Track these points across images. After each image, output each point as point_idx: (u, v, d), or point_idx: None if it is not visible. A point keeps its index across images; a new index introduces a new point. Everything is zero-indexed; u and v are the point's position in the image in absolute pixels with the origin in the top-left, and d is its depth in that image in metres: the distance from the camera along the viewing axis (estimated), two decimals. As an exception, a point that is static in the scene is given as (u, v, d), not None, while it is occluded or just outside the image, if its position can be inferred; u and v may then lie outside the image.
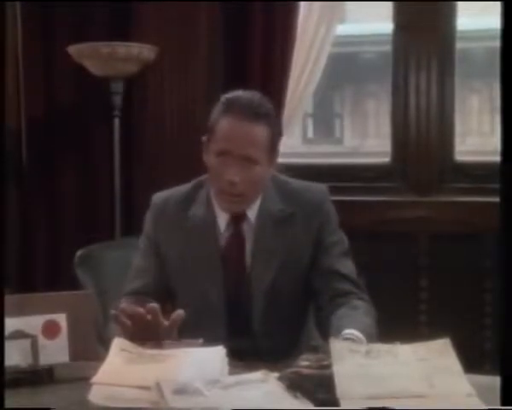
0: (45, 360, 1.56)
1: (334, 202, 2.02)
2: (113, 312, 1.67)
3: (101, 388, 1.40)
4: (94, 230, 3.16)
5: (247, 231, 1.93)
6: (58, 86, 3.20)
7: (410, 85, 3.06)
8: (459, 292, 2.97)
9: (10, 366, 1.51)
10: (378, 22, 3.94)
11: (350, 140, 5.36)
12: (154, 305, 1.66)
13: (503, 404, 1.26)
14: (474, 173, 3.03)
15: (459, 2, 3.03)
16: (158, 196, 2.02)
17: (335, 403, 1.30)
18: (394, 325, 1.88)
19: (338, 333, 1.65)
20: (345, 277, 1.91)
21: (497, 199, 1.43)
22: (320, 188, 2.01)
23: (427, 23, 3.01)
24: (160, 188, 2.06)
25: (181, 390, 1.33)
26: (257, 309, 1.91)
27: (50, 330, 1.58)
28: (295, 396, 1.34)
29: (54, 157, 3.23)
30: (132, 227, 2.92)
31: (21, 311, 1.57)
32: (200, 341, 1.62)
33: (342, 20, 3.52)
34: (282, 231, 1.92)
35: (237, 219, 1.93)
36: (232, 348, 1.57)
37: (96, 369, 1.46)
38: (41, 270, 3.24)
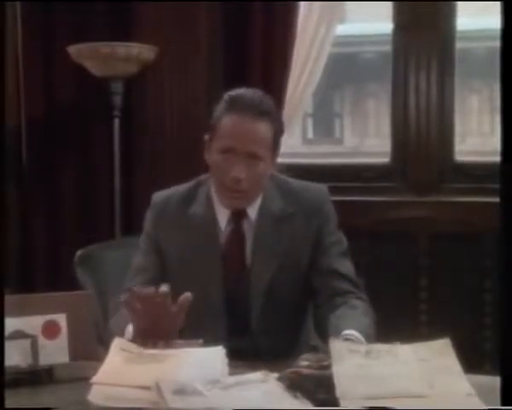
0: (45, 360, 1.56)
1: (335, 202, 2.02)
2: (122, 297, 1.67)
3: (101, 388, 1.40)
4: (94, 230, 3.16)
5: (247, 229, 1.93)
6: (58, 86, 3.20)
7: (410, 85, 3.06)
8: (459, 292, 2.97)
9: (10, 366, 1.51)
10: (378, 22, 3.94)
11: (350, 140, 5.37)
12: (165, 287, 1.65)
13: (503, 404, 1.26)
14: (473, 173, 3.03)
15: (459, 2, 3.03)
16: (158, 195, 2.03)
17: (335, 403, 1.30)
18: (394, 325, 1.88)
19: (337, 333, 1.64)
20: (343, 276, 1.91)
21: (497, 199, 1.43)
22: (320, 188, 2.01)
23: (427, 23, 3.01)
24: (160, 188, 2.06)
25: (181, 391, 1.33)
26: (256, 307, 1.91)
27: (50, 330, 1.58)
28: (295, 396, 1.34)
29: (54, 157, 3.23)
30: (132, 227, 2.92)
31: (21, 311, 1.57)
32: (200, 341, 1.62)
33: (342, 20, 3.52)
34: (281, 231, 1.92)
35: (238, 217, 1.93)
36: (231, 347, 1.57)
37: (95, 369, 1.46)
38: (41, 270, 3.24)
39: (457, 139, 3.12)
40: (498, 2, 1.49)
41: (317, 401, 1.33)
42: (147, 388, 1.36)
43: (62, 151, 3.23)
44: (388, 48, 3.12)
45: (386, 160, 3.15)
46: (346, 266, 1.94)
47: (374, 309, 1.87)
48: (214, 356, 1.53)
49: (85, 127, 3.20)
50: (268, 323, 1.90)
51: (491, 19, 2.27)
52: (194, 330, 1.68)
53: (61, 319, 1.59)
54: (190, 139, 2.92)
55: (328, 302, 1.86)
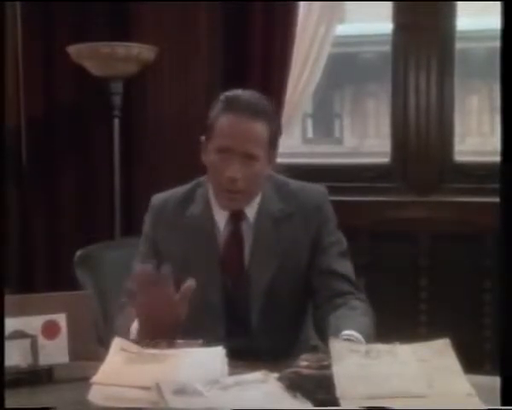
0: (45, 360, 1.56)
1: (334, 202, 2.02)
2: (127, 287, 1.67)
3: (101, 388, 1.40)
4: (94, 230, 3.16)
5: (246, 230, 1.93)
6: (58, 86, 3.20)
7: (410, 85, 3.06)
8: (459, 292, 2.97)
9: (10, 366, 1.51)
10: (378, 22, 3.94)
11: (350, 140, 5.37)
12: (168, 269, 1.66)
13: (503, 404, 1.26)
14: (473, 173, 3.03)
15: (459, 2, 3.03)
16: (157, 198, 2.02)
17: (335, 403, 1.30)
18: (394, 325, 1.88)
19: (337, 334, 1.64)
20: (343, 277, 1.91)
21: (497, 199, 1.43)
22: (319, 189, 2.01)
23: (427, 23, 3.01)
24: (160, 187, 2.06)
25: (180, 391, 1.33)
26: (255, 308, 1.91)
27: (50, 330, 1.58)
28: (295, 396, 1.34)
29: (54, 157, 3.23)
30: (132, 227, 2.92)
31: (21, 311, 1.57)
32: (200, 341, 1.62)
33: (342, 20, 3.52)
34: (280, 231, 1.92)
35: (236, 218, 1.93)
36: (231, 347, 1.57)
37: (95, 369, 1.46)
38: (41, 270, 3.24)
39: (457, 139, 3.12)
40: (498, 2, 1.48)
41: (316, 401, 1.33)
42: (147, 388, 1.36)
43: (62, 151, 3.23)
44: (388, 48, 3.12)
45: (386, 160, 3.15)
46: (346, 267, 1.94)
47: (374, 309, 1.87)
48: (214, 356, 1.53)
49: (85, 127, 3.20)
50: (268, 323, 1.89)
51: (491, 19, 2.27)
52: (193, 331, 1.68)
53: (61, 319, 1.59)
54: (190, 139, 2.91)
55: (328, 303, 1.86)
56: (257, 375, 1.41)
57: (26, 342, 1.56)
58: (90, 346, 1.60)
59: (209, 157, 1.87)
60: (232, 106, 1.84)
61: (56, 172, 3.24)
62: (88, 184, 3.22)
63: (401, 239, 3.01)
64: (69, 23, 3.15)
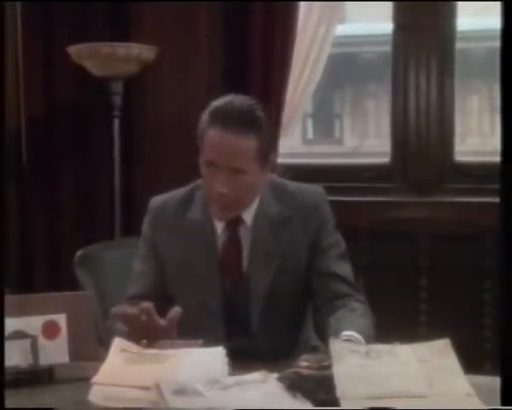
0: (45, 360, 1.57)
1: (334, 202, 2.02)
2: (107, 323, 1.67)
3: (101, 388, 1.40)
4: (94, 230, 3.16)
5: (244, 234, 1.92)
6: (58, 86, 3.20)
7: (410, 85, 3.06)
8: (459, 292, 2.97)
9: (10, 367, 1.51)
10: (378, 22, 3.94)
11: (350, 140, 5.37)
12: (147, 304, 1.66)
13: (503, 404, 1.26)
14: (473, 174, 3.03)
15: (459, 2, 3.03)
16: (155, 200, 2.01)
17: (335, 403, 1.30)
18: (394, 325, 1.88)
19: (337, 335, 1.64)
20: (342, 279, 1.90)
21: (497, 199, 1.43)
22: (316, 190, 1.99)
23: (427, 23, 3.01)
24: (160, 187, 2.06)
25: (180, 391, 1.33)
26: (255, 312, 1.90)
27: (50, 330, 1.58)
28: (295, 397, 1.34)
29: (54, 157, 3.23)
30: (132, 227, 2.92)
31: (21, 311, 1.57)
32: (200, 341, 1.62)
33: (342, 20, 3.53)
34: (279, 234, 1.91)
35: (234, 222, 1.92)
36: (231, 348, 1.57)
37: (95, 369, 1.46)
38: (41, 270, 3.24)
39: (457, 139, 3.12)
40: (498, 3, 1.48)
41: (317, 402, 1.33)
42: (147, 388, 1.36)
43: (62, 151, 3.23)
44: (388, 48, 3.12)
45: (386, 160, 3.15)
46: (345, 269, 1.93)
47: (374, 309, 1.87)
48: (214, 356, 1.53)
49: (85, 127, 3.20)
50: (267, 326, 1.89)
51: (491, 19, 2.27)
52: (193, 333, 1.67)
53: (61, 319, 1.59)
54: (190, 139, 2.91)
55: (327, 305, 1.86)
56: (257, 375, 1.41)
57: (27, 343, 1.56)
58: (90, 346, 1.60)
59: (201, 167, 1.86)
60: (219, 119, 1.79)
61: (56, 172, 3.23)
62: (88, 184, 3.22)
63: (401, 239, 3.01)
64: (69, 23, 3.15)
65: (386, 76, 3.16)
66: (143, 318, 1.65)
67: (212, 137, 1.80)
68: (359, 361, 1.40)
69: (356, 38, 4.68)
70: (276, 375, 1.41)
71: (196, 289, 1.90)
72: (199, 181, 1.97)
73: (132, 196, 3.12)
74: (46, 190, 3.24)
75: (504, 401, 1.26)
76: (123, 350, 1.55)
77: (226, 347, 1.56)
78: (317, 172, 3.10)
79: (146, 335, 1.64)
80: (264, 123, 1.84)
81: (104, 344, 1.63)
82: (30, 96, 3.24)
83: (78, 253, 2.25)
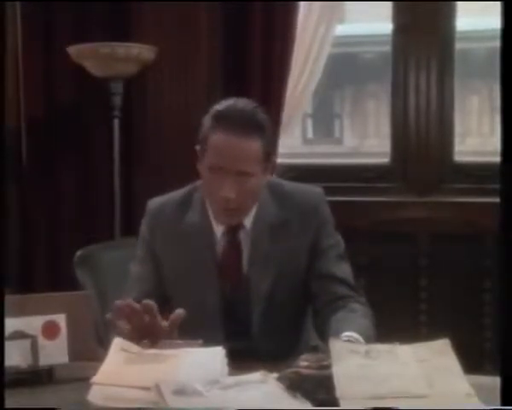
0: (45, 360, 1.56)
1: (334, 202, 2.01)
2: (108, 316, 1.66)
3: (101, 388, 1.40)
4: (94, 230, 3.16)
5: (244, 238, 1.91)
6: (58, 86, 3.21)
7: (410, 86, 3.06)
8: (459, 292, 2.97)
9: (10, 367, 1.51)
10: (378, 22, 3.94)
11: (350, 140, 5.37)
12: (150, 302, 1.65)
13: (503, 404, 1.26)
14: (473, 174, 3.03)
15: (459, 2, 3.03)
16: (153, 202, 2.00)
17: (335, 403, 1.30)
18: (394, 326, 1.88)
19: (337, 335, 1.64)
20: (341, 281, 1.89)
21: (497, 199, 1.43)
22: (315, 189, 1.98)
23: (427, 23, 3.01)
24: (160, 188, 2.06)
25: (180, 391, 1.33)
26: (256, 315, 1.90)
27: (50, 330, 1.58)
28: (295, 397, 1.34)
29: (54, 157, 3.23)
30: (132, 227, 2.91)
31: (21, 311, 1.57)
32: (200, 341, 1.62)
33: (342, 20, 3.53)
34: (278, 237, 1.90)
35: (233, 226, 1.91)
36: (231, 350, 1.57)
37: (95, 369, 1.46)
38: (41, 270, 3.24)
39: (457, 140, 3.12)
40: (498, 3, 1.48)
41: (316, 402, 1.33)
42: (147, 388, 1.36)
43: (62, 151, 3.23)
44: (388, 48, 3.12)
45: (385, 160, 3.15)
46: (344, 270, 1.92)
47: (374, 310, 1.87)
48: (214, 356, 1.53)
49: (85, 127, 3.20)
50: (268, 329, 1.88)
51: (491, 19, 2.27)
52: (193, 335, 1.67)
53: (61, 319, 1.59)
54: (190, 139, 2.91)
55: (328, 307, 1.85)
56: (257, 375, 1.41)
57: (27, 343, 1.56)
58: (90, 346, 1.60)
59: (203, 172, 1.84)
60: (223, 123, 1.77)
61: (56, 172, 3.24)
62: (88, 184, 3.22)
63: (401, 239, 3.01)
64: (69, 23, 3.16)
65: (386, 76, 3.16)
66: (146, 318, 1.64)
67: (216, 141, 1.78)
68: (359, 361, 1.40)
69: (356, 38, 4.68)
70: (275, 375, 1.41)
71: (195, 292, 1.90)
72: (197, 183, 1.96)
73: (132, 196, 3.12)
74: (46, 190, 3.24)
75: (504, 401, 1.26)
76: (123, 350, 1.55)
77: (226, 347, 1.56)
78: (317, 172, 3.10)
79: (147, 335, 1.63)
80: (267, 125, 1.83)
81: (104, 344, 1.63)
82: (30, 96, 3.24)
83: (78, 253, 2.25)
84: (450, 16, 3.02)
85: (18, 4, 3.22)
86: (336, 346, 1.44)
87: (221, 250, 1.91)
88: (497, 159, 1.43)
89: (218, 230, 1.91)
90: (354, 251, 1.99)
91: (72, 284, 2.12)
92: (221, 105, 1.83)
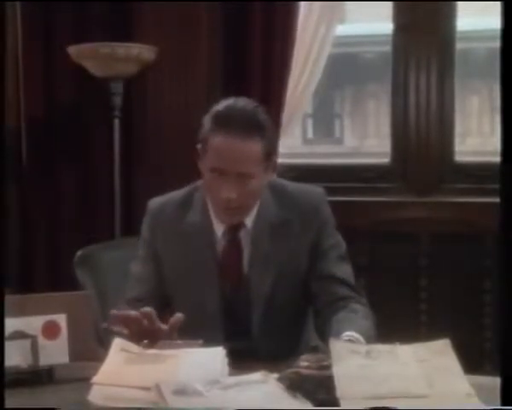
0: (45, 360, 1.56)
1: (334, 202, 2.01)
2: (104, 325, 1.66)
3: (101, 388, 1.40)
4: (94, 230, 3.16)
5: (244, 237, 1.91)
6: (58, 86, 3.20)
7: (410, 86, 3.06)
8: (459, 292, 2.97)
9: (10, 367, 1.51)
10: (378, 22, 3.94)
11: (350, 140, 5.38)
12: (148, 309, 1.65)
13: (503, 404, 1.26)
14: (473, 174, 3.03)
15: (459, 2, 3.03)
16: (154, 202, 2.00)
17: (335, 403, 1.30)
18: (394, 326, 1.88)
19: (337, 336, 1.64)
20: (342, 281, 1.89)
21: (497, 199, 1.43)
22: (316, 190, 1.98)
23: (427, 23, 3.01)
24: (160, 188, 2.06)
25: (181, 391, 1.33)
26: (256, 315, 1.90)
27: (50, 330, 1.58)
28: (295, 397, 1.34)
29: (54, 157, 3.23)
30: (132, 227, 2.92)
31: (21, 311, 1.57)
32: (200, 341, 1.62)
33: (342, 20, 3.53)
34: (279, 237, 1.90)
35: (234, 226, 1.91)
36: (232, 348, 1.57)
37: (95, 369, 1.46)
38: (41, 270, 3.24)
39: (458, 140, 3.12)
40: (498, 3, 1.48)
41: (316, 402, 1.33)
42: (147, 388, 1.36)
43: (62, 151, 3.23)
44: (388, 48, 3.12)
45: (386, 160, 3.15)
46: (345, 271, 1.92)
47: (374, 310, 1.87)
48: (214, 356, 1.53)
49: (85, 127, 3.20)
50: (268, 329, 1.88)
51: (491, 19, 2.27)
52: (193, 336, 1.67)
53: (61, 319, 1.59)
54: (190, 139, 2.91)
55: (328, 308, 1.85)
56: (257, 375, 1.41)
57: (27, 343, 1.56)
58: (90, 346, 1.60)
59: (204, 172, 1.84)
60: (223, 124, 1.76)
61: (56, 172, 3.23)
62: (88, 184, 3.22)
63: (401, 239, 3.01)
64: (69, 23, 3.15)
65: (387, 76, 3.16)
66: (145, 322, 1.64)
67: (216, 143, 1.78)
68: (359, 361, 1.40)
69: (356, 38, 4.68)
70: (276, 375, 1.41)
71: (196, 291, 1.90)
72: (198, 182, 1.96)
73: (132, 196, 3.12)
74: (46, 190, 3.24)
75: (504, 401, 1.26)
76: (123, 350, 1.55)
77: (226, 347, 1.56)
78: (317, 172, 3.10)
79: (146, 338, 1.63)
80: (268, 125, 1.83)
81: (104, 344, 1.63)
82: (30, 96, 3.24)
83: (78, 253, 2.25)
84: (450, 16, 3.02)
85: (18, 4, 3.22)
86: (336, 346, 1.44)
87: (221, 249, 1.91)
88: (497, 159, 1.43)
89: (219, 229, 1.91)
90: (354, 251, 1.99)
91: (72, 284, 2.12)
92: (221, 105, 1.82)
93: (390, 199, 3.08)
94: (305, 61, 3.03)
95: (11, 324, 1.54)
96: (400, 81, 3.08)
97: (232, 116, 1.77)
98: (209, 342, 1.61)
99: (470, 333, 2.82)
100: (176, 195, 1.99)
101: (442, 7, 3.00)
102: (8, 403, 1.36)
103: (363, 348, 1.47)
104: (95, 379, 1.42)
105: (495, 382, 1.34)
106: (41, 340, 1.57)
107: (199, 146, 1.87)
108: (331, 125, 5.63)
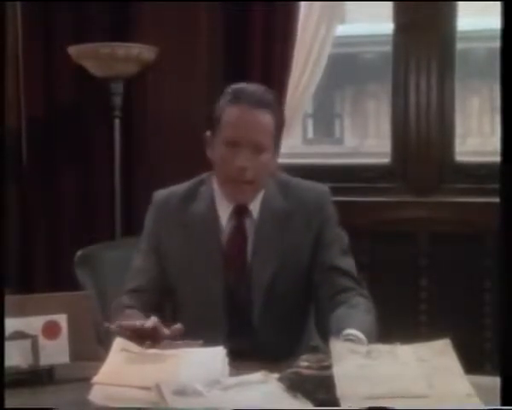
0: (45, 360, 1.57)
1: (335, 202, 2.02)
2: (105, 325, 1.67)
3: (102, 388, 1.40)
4: (94, 230, 3.16)
5: (249, 226, 1.94)
6: (58, 86, 3.20)
7: (410, 86, 3.06)
8: (459, 292, 2.97)
9: (11, 367, 1.51)
10: (378, 22, 3.94)
11: (350, 140, 5.38)
12: (155, 318, 1.66)
13: (503, 404, 1.26)
14: (474, 174, 3.03)
15: (459, 2, 3.03)
16: (159, 193, 2.03)
17: (335, 404, 1.30)
18: (394, 325, 1.88)
19: (338, 333, 1.65)
20: (344, 273, 1.91)
21: (497, 199, 1.43)
22: (322, 188, 2.01)
23: (427, 23, 3.01)
24: (160, 188, 2.06)
25: (181, 391, 1.33)
26: (257, 305, 1.91)
27: (51, 330, 1.58)
28: (295, 397, 1.34)
29: (54, 157, 3.23)
30: (132, 227, 2.92)
31: (22, 311, 1.57)
32: (200, 341, 1.62)
33: (342, 21, 3.53)
34: (283, 228, 1.93)
35: (239, 214, 1.94)
36: (232, 346, 1.57)
37: (96, 369, 1.46)
38: (41, 270, 3.24)
39: (458, 140, 3.12)
40: (498, 3, 1.49)
41: (317, 402, 1.33)
42: (147, 388, 1.36)
43: (62, 151, 3.23)
44: (388, 48, 3.12)
45: (386, 160, 3.15)
46: (348, 263, 1.94)
47: (373, 305, 1.87)
48: (214, 356, 1.53)
49: (85, 127, 3.20)
50: (269, 320, 1.90)
51: (491, 19, 2.27)
52: (195, 327, 1.68)
53: (62, 319, 1.59)
54: (190, 139, 2.92)
55: (330, 301, 1.87)
56: (257, 375, 1.41)
57: (27, 343, 1.56)
58: (90, 346, 1.60)
59: (216, 150, 1.89)
60: (238, 97, 1.87)
61: (56, 172, 3.23)
62: (88, 184, 3.22)
63: (401, 239, 3.01)
64: (69, 23, 3.15)
65: (387, 76, 3.16)
66: (150, 330, 1.65)
67: (232, 114, 1.86)
68: (359, 361, 1.40)
69: (356, 38, 4.68)
70: (276, 375, 1.41)
71: (199, 280, 1.91)
72: (203, 176, 2.00)
73: (132, 196, 3.12)
74: (46, 190, 3.24)
75: (504, 401, 1.26)
76: (123, 350, 1.55)
77: (227, 346, 1.56)
78: (318, 173, 3.09)
79: (148, 339, 1.64)
80: (277, 102, 1.95)
81: (104, 344, 1.63)
82: (30, 96, 3.24)
83: (78, 253, 2.25)
84: (450, 16, 3.02)
85: (18, 4, 3.22)
86: (337, 346, 1.44)
87: (226, 238, 1.94)
88: (497, 159, 1.43)
89: (224, 218, 1.93)
90: (354, 251, 2.00)
91: (72, 284, 2.12)
92: (235, 85, 1.93)
93: (390, 199, 3.08)
94: (305, 61, 3.03)
95: (11, 324, 1.54)
96: (400, 81, 3.08)
97: (246, 91, 1.89)
98: (211, 332, 1.62)
99: (470, 333, 2.82)
100: (181, 187, 2.03)
101: (442, 7, 3.00)
102: (9, 403, 1.36)
103: (364, 348, 1.47)
104: (95, 379, 1.42)
105: (495, 382, 1.34)
106: (41, 340, 1.57)
107: (208, 132, 1.93)
108: (331, 125, 5.63)
